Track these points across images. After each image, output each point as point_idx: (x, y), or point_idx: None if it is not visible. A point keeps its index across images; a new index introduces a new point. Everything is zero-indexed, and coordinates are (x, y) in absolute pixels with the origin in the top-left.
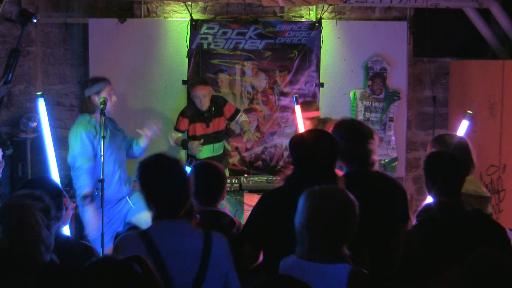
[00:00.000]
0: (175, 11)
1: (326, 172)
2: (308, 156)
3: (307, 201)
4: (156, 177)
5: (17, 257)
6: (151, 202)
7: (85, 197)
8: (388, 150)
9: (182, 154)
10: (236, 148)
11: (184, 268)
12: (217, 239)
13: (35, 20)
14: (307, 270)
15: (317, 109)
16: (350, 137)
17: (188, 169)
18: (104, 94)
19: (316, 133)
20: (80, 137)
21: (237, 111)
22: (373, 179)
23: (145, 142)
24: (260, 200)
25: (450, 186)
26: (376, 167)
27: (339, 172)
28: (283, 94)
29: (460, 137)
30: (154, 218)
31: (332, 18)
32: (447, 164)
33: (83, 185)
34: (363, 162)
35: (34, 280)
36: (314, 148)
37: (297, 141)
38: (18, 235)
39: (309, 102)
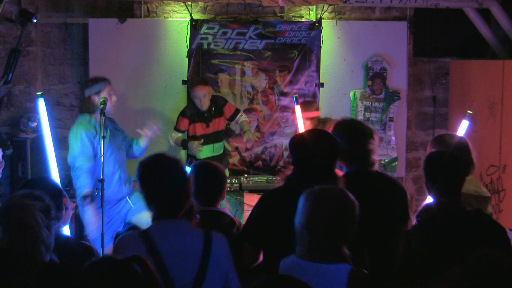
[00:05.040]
0: (175, 11)
1: (326, 172)
2: (308, 156)
3: (307, 201)
4: (156, 177)
5: (17, 257)
6: (151, 202)
7: (85, 197)
8: (388, 150)
9: (182, 154)
10: (236, 148)
11: (184, 268)
12: (217, 239)
13: (35, 20)
14: (307, 270)
15: (317, 109)
16: (350, 137)
17: (188, 169)
18: (104, 94)
19: (316, 133)
20: (80, 137)
21: (237, 111)
22: (373, 179)
23: (145, 142)
24: (260, 200)
25: (450, 186)
26: (376, 167)
27: (339, 172)
28: (283, 94)
29: (460, 137)
30: (154, 218)
31: (332, 18)
32: (447, 164)
33: (83, 185)
34: (363, 162)
35: (34, 280)
36: (314, 148)
37: (297, 141)
38: (18, 235)
39: (309, 102)
